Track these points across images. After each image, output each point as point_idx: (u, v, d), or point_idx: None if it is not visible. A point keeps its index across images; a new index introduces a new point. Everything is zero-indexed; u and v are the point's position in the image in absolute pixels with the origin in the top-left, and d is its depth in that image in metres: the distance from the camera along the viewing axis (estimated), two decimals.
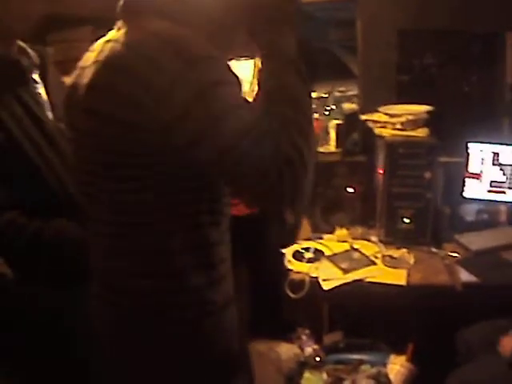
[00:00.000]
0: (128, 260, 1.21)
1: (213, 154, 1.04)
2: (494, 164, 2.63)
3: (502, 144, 2.63)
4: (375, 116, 2.67)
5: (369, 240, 2.64)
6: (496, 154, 2.62)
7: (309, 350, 2.01)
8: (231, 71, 1.08)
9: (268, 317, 2.16)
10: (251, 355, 1.74)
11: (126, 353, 1.25)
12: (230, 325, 1.27)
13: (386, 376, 1.92)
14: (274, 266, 2.39)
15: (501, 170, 2.63)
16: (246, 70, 2.66)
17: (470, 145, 2.64)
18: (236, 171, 1.05)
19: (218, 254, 1.24)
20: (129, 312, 1.22)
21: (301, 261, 2.42)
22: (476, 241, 2.57)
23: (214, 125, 1.02)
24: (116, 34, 1.17)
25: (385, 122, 2.62)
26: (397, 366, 1.97)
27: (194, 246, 1.19)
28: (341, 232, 2.65)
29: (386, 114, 2.63)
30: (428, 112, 2.61)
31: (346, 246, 2.57)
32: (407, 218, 2.55)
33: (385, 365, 1.99)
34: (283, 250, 2.45)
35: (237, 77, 1.09)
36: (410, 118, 2.58)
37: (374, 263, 2.42)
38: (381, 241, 2.61)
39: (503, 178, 2.64)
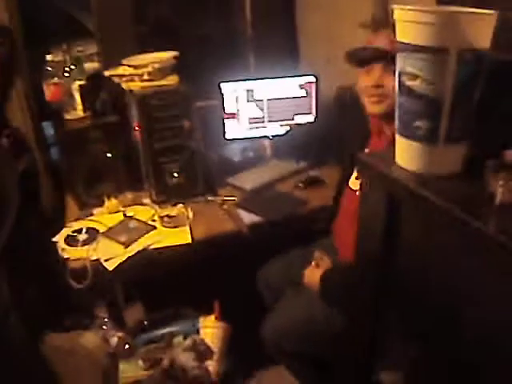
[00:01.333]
0: None
1: None
2: (249, 101, 2.62)
3: (252, 79, 2.63)
4: (119, 70, 2.43)
5: (142, 204, 2.46)
6: (249, 91, 2.61)
7: (114, 339, 1.80)
8: None
9: (63, 311, 1.91)
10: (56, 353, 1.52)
11: None
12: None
13: (203, 342, 1.81)
14: (47, 257, 2.10)
15: (257, 105, 2.63)
16: None
17: (222, 85, 2.59)
18: None
19: None
20: None
21: (76, 246, 2.14)
22: (249, 180, 2.58)
23: None
24: None
25: (131, 75, 2.40)
26: (209, 328, 1.87)
27: None
28: (110, 202, 2.41)
29: (131, 65, 2.41)
30: (175, 57, 2.45)
31: (120, 217, 2.35)
32: (175, 172, 2.42)
33: (197, 331, 1.87)
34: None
35: None
36: (157, 66, 2.39)
37: (153, 227, 2.26)
38: (154, 202, 2.45)
39: (260, 113, 2.65)
